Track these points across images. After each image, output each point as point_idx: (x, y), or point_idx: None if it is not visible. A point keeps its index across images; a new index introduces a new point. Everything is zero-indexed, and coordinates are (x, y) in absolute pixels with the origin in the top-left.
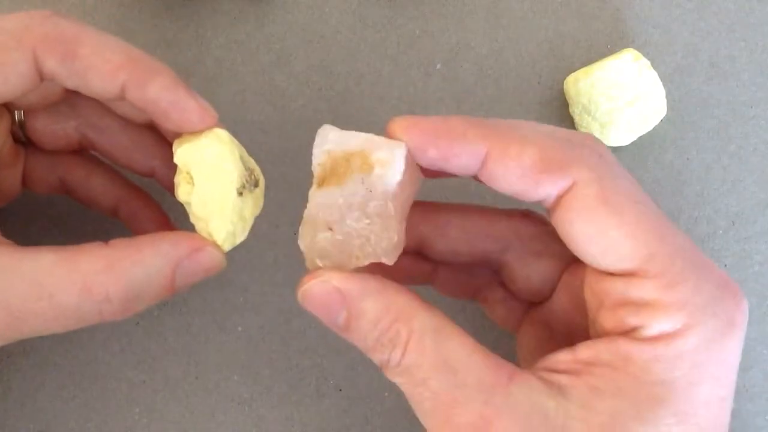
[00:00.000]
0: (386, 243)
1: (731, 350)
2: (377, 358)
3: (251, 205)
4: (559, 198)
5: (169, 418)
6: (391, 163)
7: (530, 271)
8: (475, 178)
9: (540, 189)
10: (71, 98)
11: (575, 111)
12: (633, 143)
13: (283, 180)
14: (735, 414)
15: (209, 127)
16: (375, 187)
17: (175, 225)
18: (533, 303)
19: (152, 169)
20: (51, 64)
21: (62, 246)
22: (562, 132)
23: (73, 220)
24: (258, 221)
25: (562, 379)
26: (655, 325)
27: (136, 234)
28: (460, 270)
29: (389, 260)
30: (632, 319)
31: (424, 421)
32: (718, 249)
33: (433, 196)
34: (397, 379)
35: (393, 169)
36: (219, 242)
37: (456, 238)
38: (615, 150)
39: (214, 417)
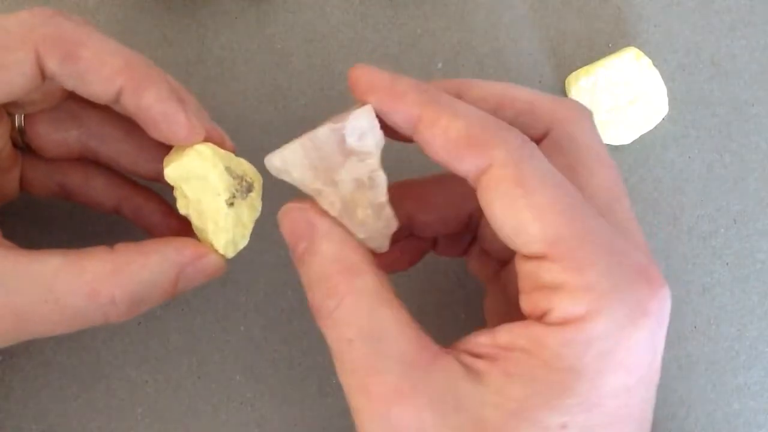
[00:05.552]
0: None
1: (641, 339)
2: (313, 299)
3: (247, 211)
4: (479, 177)
5: (171, 418)
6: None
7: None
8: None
9: (463, 164)
10: (73, 107)
11: None
12: (634, 142)
13: (284, 180)
14: (736, 412)
15: (194, 143)
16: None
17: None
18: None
19: (158, 173)
20: (52, 65)
21: (68, 249)
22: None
23: (73, 221)
24: (260, 221)
25: (480, 364)
26: (562, 308)
27: (143, 227)
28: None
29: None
30: (543, 303)
31: (343, 378)
32: (720, 247)
33: None
34: (325, 330)
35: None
36: (220, 251)
37: (441, 204)
38: (616, 149)
39: (217, 417)
